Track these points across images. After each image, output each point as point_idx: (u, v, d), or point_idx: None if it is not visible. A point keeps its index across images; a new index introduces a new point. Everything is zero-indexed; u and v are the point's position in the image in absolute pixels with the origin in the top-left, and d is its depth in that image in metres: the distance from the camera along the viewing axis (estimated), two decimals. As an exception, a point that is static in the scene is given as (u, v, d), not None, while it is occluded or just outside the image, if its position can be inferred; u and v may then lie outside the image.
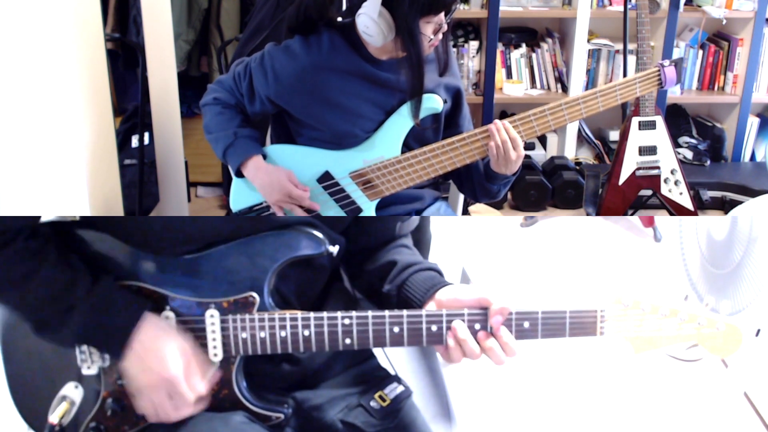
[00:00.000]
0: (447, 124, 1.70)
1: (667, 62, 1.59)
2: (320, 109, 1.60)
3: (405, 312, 1.13)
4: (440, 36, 1.55)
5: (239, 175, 1.65)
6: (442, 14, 1.52)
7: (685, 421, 2.13)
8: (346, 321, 1.12)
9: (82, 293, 1.09)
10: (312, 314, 1.13)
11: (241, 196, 1.69)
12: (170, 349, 1.11)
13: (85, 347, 1.16)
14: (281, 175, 1.60)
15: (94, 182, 1.87)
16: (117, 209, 2.07)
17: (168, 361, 1.10)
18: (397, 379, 1.29)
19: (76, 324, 1.09)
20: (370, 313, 1.12)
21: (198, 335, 1.14)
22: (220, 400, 1.17)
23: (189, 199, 2.89)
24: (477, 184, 1.72)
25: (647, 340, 1.15)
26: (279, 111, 1.66)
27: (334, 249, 1.17)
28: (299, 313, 1.13)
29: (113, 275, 1.13)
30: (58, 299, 1.09)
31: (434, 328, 1.13)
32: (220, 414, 1.16)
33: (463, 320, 1.13)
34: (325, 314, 1.12)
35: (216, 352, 1.14)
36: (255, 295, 1.13)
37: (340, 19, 1.55)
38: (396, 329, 1.13)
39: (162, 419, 1.13)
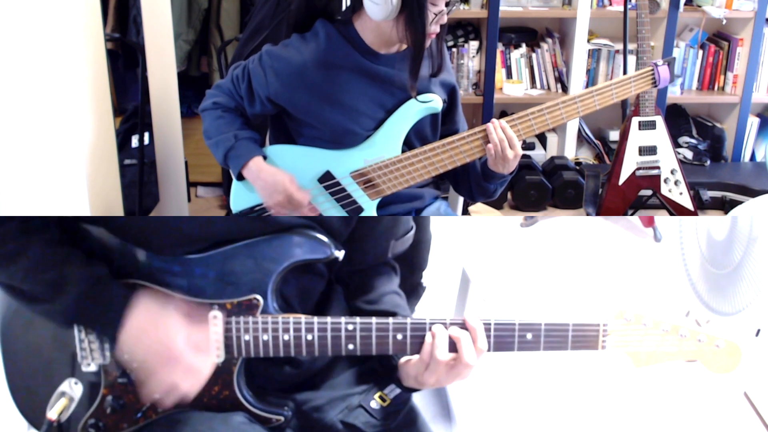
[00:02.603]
0: (443, 121, 1.71)
1: (660, 61, 1.64)
2: (320, 107, 1.60)
3: (408, 320, 1.13)
4: (437, 28, 1.55)
5: (240, 178, 1.65)
6: (443, 4, 1.52)
7: (685, 421, 2.13)
8: (350, 327, 1.12)
9: (75, 268, 1.09)
10: (316, 319, 1.13)
11: (241, 198, 1.69)
12: (168, 324, 1.09)
13: (85, 343, 1.16)
14: (284, 178, 1.60)
15: (94, 182, 1.87)
16: (117, 209, 2.07)
17: (169, 337, 1.08)
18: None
19: (69, 298, 1.08)
20: (373, 320, 1.12)
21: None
22: (221, 401, 1.17)
23: (189, 199, 2.89)
24: (474, 183, 1.72)
25: (648, 355, 1.16)
26: (278, 112, 1.66)
27: (340, 254, 1.16)
28: (303, 317, 1.13)
29: (116, 274, 1.13)
30: (50, 272, 1.08)
31: None
32: (221, 414, 1.16)
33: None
34: (328, 319, 1.12)
35: (218, 353, 1.14)
36: (259, 297, 1.13)
37: (346, 8, 1.55)
38: (399, 336, 1.13)
39: (177, 400, 1.11)
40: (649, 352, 1.16)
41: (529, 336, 1.14)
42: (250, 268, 1.13)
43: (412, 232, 1.38)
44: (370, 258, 1.32)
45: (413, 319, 1.13)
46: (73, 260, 1.10)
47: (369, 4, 1.52)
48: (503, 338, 1.15)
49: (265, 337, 1.13)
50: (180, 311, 1.11)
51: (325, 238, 1.15)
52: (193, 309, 1.12)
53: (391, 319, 1.12)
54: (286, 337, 1.13)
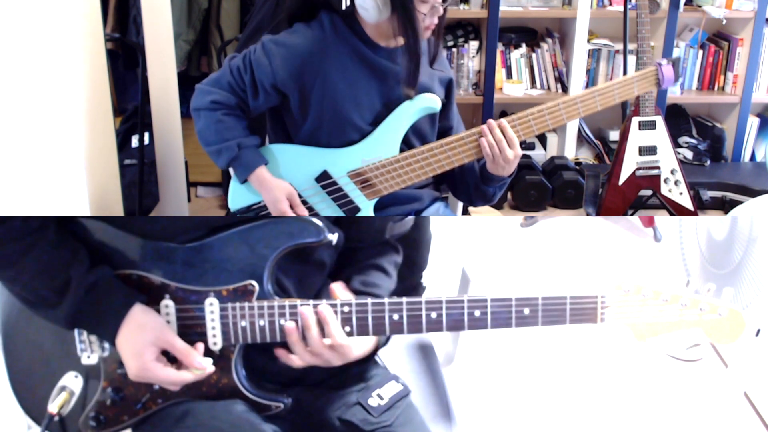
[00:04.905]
0: (440, 116, 1.71)
1: (665, 61, 1.59)
2: (321, 93, 1.60)
3: (404, 299, 1.13)
4: (436, 20, 1.56)
5: (243, 181, 1.65)
6: (433, 1, 1.52)
7: (685, 421, 2.13)
8: (345, 308, 1.13)
9: (79, 272, 1.10)
10: (311, 302, 1.13)
11: (239, 196, 1.68)
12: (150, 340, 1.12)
13: (84, 336, 1.16)
14: (281, 195, 1.60)
15: (94, 182, 1.87)
16: (117, 209, 2.08)
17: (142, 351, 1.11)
18: (395, 378, 1.29)
19: (72, 302, 1.09)
20: (369, 301, 1.13)
21: (197, 323, 1.14)
22: (220, 389, 1.17)
23: (189, 199, 2.90)
24: (473, 187, 1.72)
25: (648, 327, 1.13)
26: (280, 103, 1.65)
27: (334, 237, 1.17)
28: (298, 301, 1.13)
29: (112, 264, 1.14)
30: (55, 276, 1.09)
31: (434, 315, 1.12)
32: (222, 403, 1.16)
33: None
34: (323, 302, 1.13)
35: (215, 340, 1.14)
36: (254, 283, 1.13)
37: (347, 4, 1.55)
38: (395, 316, 1.13)
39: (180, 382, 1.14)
40: (649, 323, 1.12)
41: (526, 311, 1.12)
42: (245, 254, 1.13)
43: (412, 216, 1.38)
44: (366, 236, 1.32)
45: (409, 299, 1.12)
46: (77, 263, 1.11)
47: (361, 10, 1.54)
48: (500, 314, 1.12)
49: (262, 323, 1.13)
50: (160, 341, 1.13)
51: (319, 222, 1.15)
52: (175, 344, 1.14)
53: (386, 300, 1.12)
54: (282, 322, 1.13)
